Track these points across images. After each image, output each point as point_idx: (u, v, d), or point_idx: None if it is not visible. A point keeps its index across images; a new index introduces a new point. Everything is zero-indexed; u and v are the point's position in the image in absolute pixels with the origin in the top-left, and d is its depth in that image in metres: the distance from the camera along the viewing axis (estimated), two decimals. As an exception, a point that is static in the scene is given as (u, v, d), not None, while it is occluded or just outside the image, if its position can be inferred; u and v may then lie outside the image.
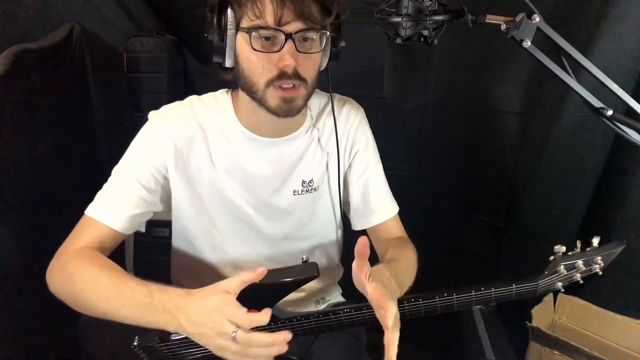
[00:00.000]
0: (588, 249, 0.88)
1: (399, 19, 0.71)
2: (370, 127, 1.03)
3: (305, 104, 0.85)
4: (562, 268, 0.86)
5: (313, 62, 0.83)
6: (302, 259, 0.77)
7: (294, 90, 0.81)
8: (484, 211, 1.56)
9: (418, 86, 0.78)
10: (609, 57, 1.13)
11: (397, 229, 1.03)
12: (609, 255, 0.88)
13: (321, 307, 1.08)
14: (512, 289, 0.85)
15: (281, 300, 0.78)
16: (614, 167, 1.30)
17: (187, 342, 0.80)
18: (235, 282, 0.70)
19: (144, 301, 0.72)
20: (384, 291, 0.68)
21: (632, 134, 0.74)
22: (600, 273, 0.88)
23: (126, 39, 1.44)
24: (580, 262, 0.86)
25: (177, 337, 0.81)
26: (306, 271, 0.75)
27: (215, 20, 0.80)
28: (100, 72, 1.49)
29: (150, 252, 1.02)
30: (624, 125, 0.74)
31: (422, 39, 0.73)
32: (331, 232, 1.05)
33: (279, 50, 0.77)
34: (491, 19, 0.72)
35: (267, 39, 0.78)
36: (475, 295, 0.84)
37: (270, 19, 0.76)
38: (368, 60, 1.00)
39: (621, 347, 1.21)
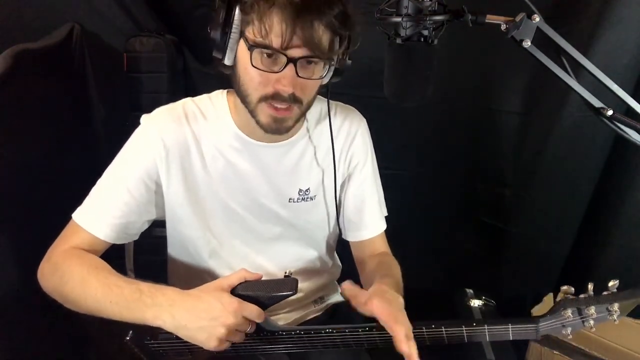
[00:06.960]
0: (605, 293, 0.79)
1: (399, 19, 0.71)
2: (370, 126, 1.02)
3: (296, 124, 0.84)
4: (568, 313, 0.78)
5: (313, 85, 0.80)
6: (285, 273, 0.78)
7: (287, 111, 0.79)
8: (484, 211, 1.56)
9: (418, 86, 0.78)
10: (609, 57, 1.13)
11: (383, 245, 1.03)
12: (629, 303, 0.77)
13: (320, 306, 1.08)
14: (507, 328, 0.80)
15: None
16: (614, 167, 1.30)
17: (173, 342, 0.81)
18: (229, 282, 0.75)
19: (132, 297, 0.74)
20: (389, 308, 0.74)
21: (632, 134, 0.74)
22: (617, 322, 0.78)
23: (126, 39, 1.43)
24: (592, 309, 0.77)
25: (165, 336, 0.81)
26: (283, 288, 0.76)
27: (221, 18, 0.75)
28: (100, 72, 1.49)
29: (150, 252, 1.02)
30: (624, 125, 0.74)
31: (422, 39, 0.73)
32: (326, 237, 1.04)
33: (279, 71, 0.75)
34: (491, 19, 0.72)
35: (269, 55, 0.74)
36: (467, 330, 0.81)
37: (276, 41, 0.72)
38: (368, 60, 1.00)
39: (621, 347, 1.20)
